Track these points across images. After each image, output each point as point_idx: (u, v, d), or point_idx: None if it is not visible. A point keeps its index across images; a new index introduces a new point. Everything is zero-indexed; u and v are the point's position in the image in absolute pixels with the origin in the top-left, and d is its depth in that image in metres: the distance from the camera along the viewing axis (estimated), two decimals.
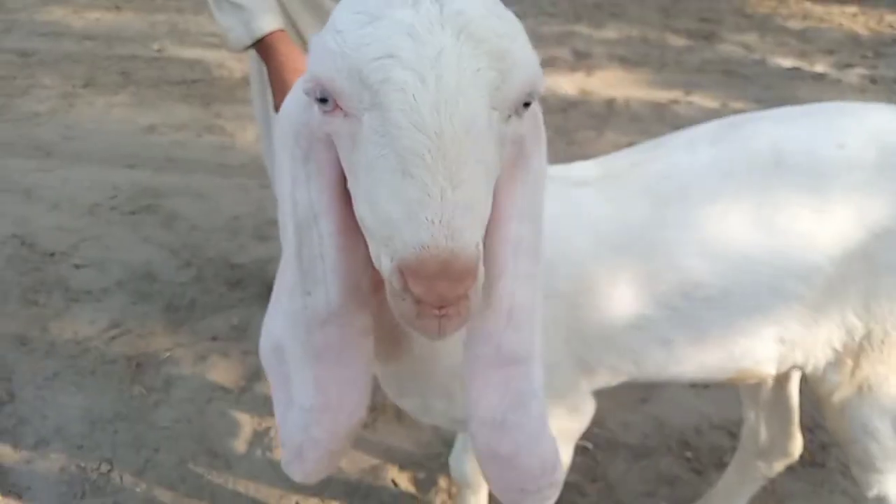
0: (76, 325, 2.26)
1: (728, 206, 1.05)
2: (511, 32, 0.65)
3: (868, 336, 1.08)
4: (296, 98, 0.73)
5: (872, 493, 1.25)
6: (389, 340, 0.88)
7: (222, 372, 2.09)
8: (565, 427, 1.18)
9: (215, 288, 2.43)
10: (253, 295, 2.37)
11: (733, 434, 1.87)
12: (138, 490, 1.75)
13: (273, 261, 2.38)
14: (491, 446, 0.79)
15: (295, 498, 1.74)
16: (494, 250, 0.73)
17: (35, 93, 4.03)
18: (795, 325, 1.08)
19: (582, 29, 4.95)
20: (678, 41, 4.80)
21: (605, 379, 1.17)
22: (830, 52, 4.67)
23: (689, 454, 1.88)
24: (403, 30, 0.61)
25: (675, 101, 3.86)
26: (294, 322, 0.79)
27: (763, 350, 1.10)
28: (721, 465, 1.78)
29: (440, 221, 0.57)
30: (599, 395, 2.00)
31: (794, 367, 1.14)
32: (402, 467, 1.82)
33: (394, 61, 0.60)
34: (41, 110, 3.82)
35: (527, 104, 0.67)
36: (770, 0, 5.79)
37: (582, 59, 4.44)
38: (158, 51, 4.68)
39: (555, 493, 0.85)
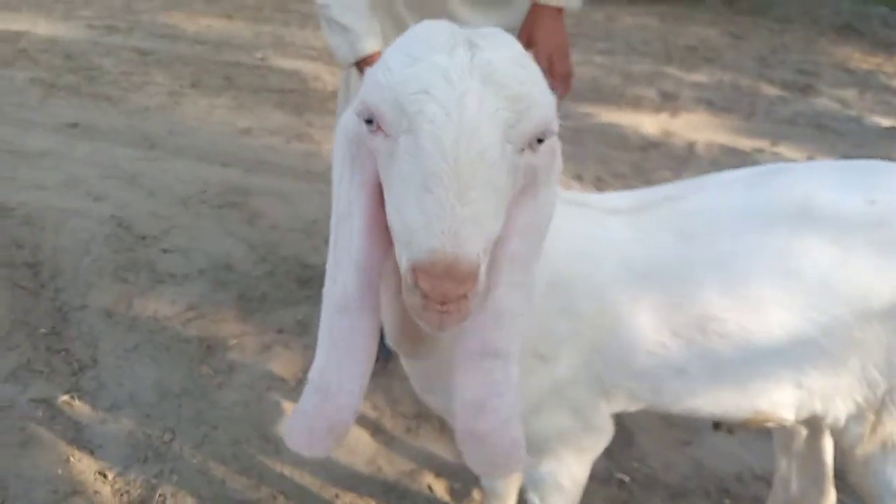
0: (158, 304, 2.44)
1: (751, 247, 1.09)
2: (531, 79, 0.77)
3: (890, 392, 1.09)
4: (352, 111, 0.86)
5: None
6: (416, 338, 0.96)
7: (283, 363, 2.21)
8: (581, 443, 1.22)
9: (286, 284, 2.58)
10: (320, 294, 2.48)
11: None
12: (194, 461, 1.88)
13: None
14: (470, 425, 0.89)
15: (335, 490, 1.83)
16: (495, 262, 0.83)
17: (148, 89, 4.35)
18: (813, 372, 1.09)
19: (672, 70, 4.95)
20: (771, 91, 4.74)
21: (624, 402, 1.21)
22: None
23: (727, 501, 1.87)
24: (439, 72, 0.73)
25: (760, 151, 3.81)
26: (324, 304, 0.91)
27: (779, 393, 1.12)
28: None
29: (449, 231, 0.68)
30: (643, 432, 2.03)
31: (815, 415, 1.15)
32: (439, 475, 1.88)
33: (428, 97, 0.72)
34: (151, 105, 4.13)
35: (541, 140, 0.78)
36: (875, 57, 5.63)
37: (668, 101, 4.44)
38: (261, 59, 4.97)
39: (517, 466, 0.94)
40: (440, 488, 1.86)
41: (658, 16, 6.42)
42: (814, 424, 1.26)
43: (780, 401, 1.13)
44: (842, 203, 1.09)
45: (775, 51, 5.57)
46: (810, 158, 3.73)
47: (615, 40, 5.58)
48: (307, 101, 4.30)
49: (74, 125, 3.82)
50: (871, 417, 1.12)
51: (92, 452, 1.90)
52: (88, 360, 2.20)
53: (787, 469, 1.50)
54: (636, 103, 4.38)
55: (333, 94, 4.37)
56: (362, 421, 2.02)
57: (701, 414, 1.20)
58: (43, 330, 2.31)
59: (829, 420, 1.15)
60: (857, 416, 1.13)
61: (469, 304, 0.70)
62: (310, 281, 2.58)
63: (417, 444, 1.96)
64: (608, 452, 1.96)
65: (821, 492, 1.46)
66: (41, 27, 5.37)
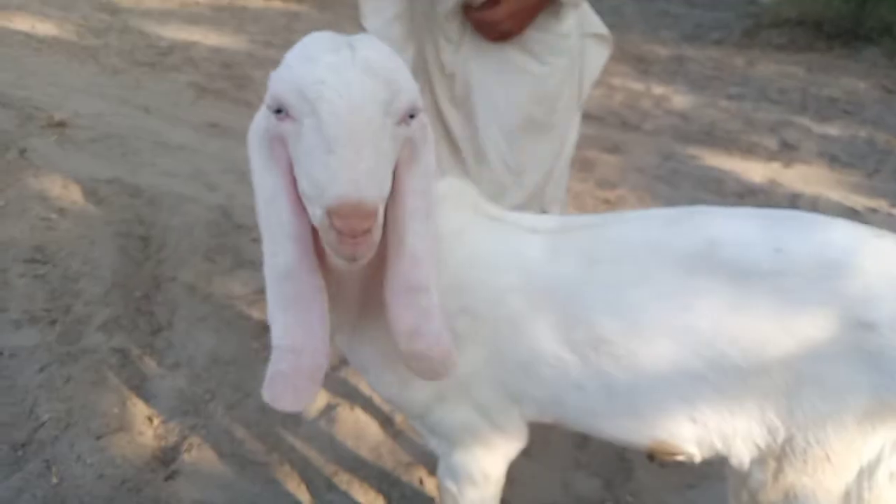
0: (233, 284, 2.73)
1: (650, 279, 1.11)
2: (398, 69, 0.97)
3: (790, 441, 1.07)
4: (261, 113, 1.05)
5: None
6: (333, 311, 1.10)
7: None
8: (491, 441, 1.29)
9: None
10: None
11: None
12: (224, 421, 2.11)
13: None
14: (411, 347, 1.07)
15: (335, 467, 1.99)
16: (400, 217, 1.04)
17: None
18: (706, 409, 1.10)
19: (802, 121, 4.70)
20: None
21: (535, 412, 1.26)
22: None
23: None
24: (329, 67, 0.93)
25: (873, 210, 3.56)
26: (269, 277, 1.07)
27: (675, 425, 1.13)
28: None
29: (351, 180, 0.88)
30: (644, 468, 2.01)
31: (718, 454, 1.15)
32: (432, 472, 1.98)
33: (324, 85, 0.92)
34: None
35: (412, 116, 0.98)
36: None
37: (786, 151, 4.24)
38: None
39: (455, 366, 1.13)
40: (430, 484, 1.96)
41: (805, 65, 6.10)
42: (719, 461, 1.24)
43: (678, 433, 1.14)
44: (748, 248, 1.08)
45: None
46: None
47: (749, 86, 5.38)
48: None
49: (214, 125, 4.32)
50: (773, 464, 1.10)
51: (147, 400, 2.19)
52: (165, 323, 2.53)
53: None
54: (749, 150, 4.22)
55: None
56: (375, 412, 2.17)
57: (610, 436, 1.23)
58: (137, 293, 2.68)
59: (733, 461, 1.15)
60: (759, 461, 1.12)
61: (372, 236, 0.92)
62: None
63: (420, 441, 2.07)
64: (605, 481, 1.99)
65: None
66: (211, 39, 6.08)
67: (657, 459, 2.01)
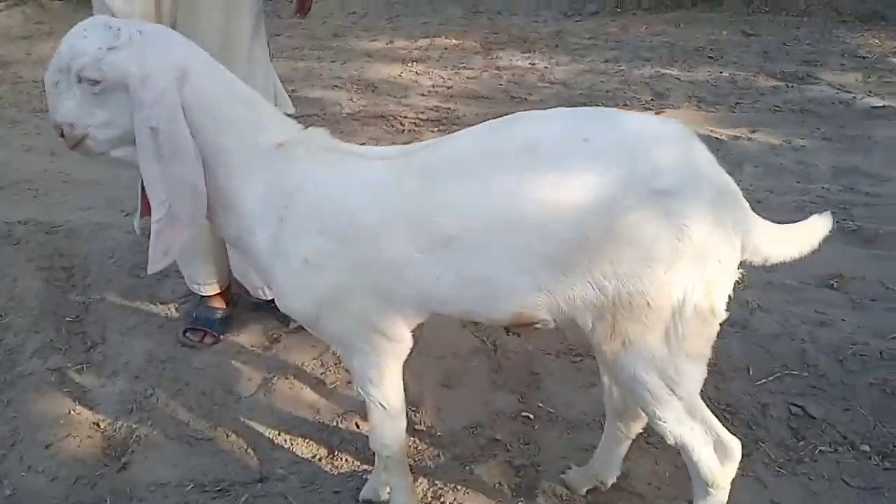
0: (161, 293, 2.87)
1: (482, 179, 1.30)
2: (78, 45, 1.34)
3: (618, 296, 1.28)
4: None
5: (671, 442, 1.42)
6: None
7: (252, 335, 2.59)
8: (376, 343, 1.49)
9: None
10: None
11: None
12: (167, 409, 2.27)
13: None
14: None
15: (278, 430, 2.18)
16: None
17: None
18: (546, 277, 1.30)
19: (672, 71, 5.12)
20: (767, 83, 4.83)
21: (410, 309, 1.45)
22: None
23: None
24: None
25: (736, 138, 3.94)
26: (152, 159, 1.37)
27: (526, 296, 1.32)
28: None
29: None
30: (551, 376, 2.27)
31: (567, 317, 1.35)
32: (365, 417, 2.19)
33: None
34: None
35: (92, 80, 1.34)
36: (891, 40, 5.59)
37: (658, 100, 4.62)
38: (291, 91, 5.47)
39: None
40: (365, 427, 2.16)
41: (674, 23, 6.57)
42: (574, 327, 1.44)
43: (531, 303, 1.33)
44: (560, 140, 1.30)
45: (785, 44, 5.62)
46: (787, 141, 3.84)
47: (623, 49, 5.78)
48: (324, 123, 4.74)
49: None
50: (609, 318, 1.31)
51: (91, 409, 2.31)
52: (99, 338, 2.65)
53: (609, 383, 1.71)
54: (626, 104, 4.59)
55: (349, 116, 4.82)
56: (308, 378, 2.37)
57: (479, 317, 1.44)
58: (68, 318, 2.79)
59: (580, 322, 1.35)
60: (599, 318, 1.33)
61: (66, 143, 1.40)
62: None
63: (353, 393, 2.28)
64: (519, 395, 2.24)
65: None
66: None
67: (514, 331, 2.26)
